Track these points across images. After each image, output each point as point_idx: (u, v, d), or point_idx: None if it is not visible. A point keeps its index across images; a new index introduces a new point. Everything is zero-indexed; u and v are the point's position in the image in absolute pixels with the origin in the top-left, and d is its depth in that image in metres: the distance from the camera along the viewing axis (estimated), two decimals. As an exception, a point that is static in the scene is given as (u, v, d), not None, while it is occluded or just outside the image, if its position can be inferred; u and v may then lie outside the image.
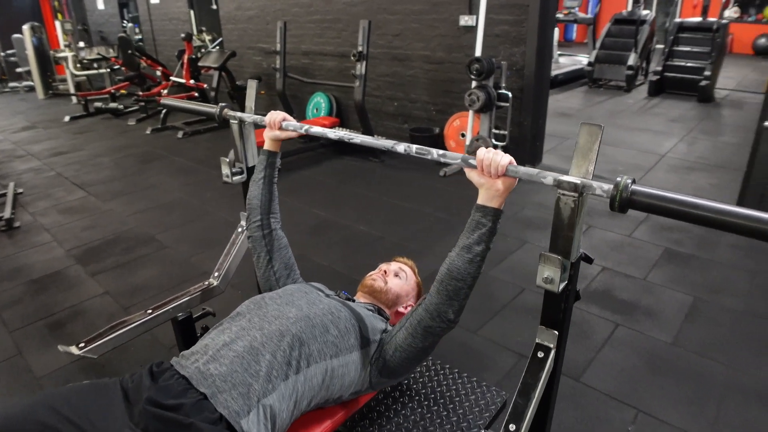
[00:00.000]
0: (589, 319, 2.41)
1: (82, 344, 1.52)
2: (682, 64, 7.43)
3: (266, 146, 1.61)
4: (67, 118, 6.80)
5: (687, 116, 6.29)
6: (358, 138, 1.36)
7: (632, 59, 7.80)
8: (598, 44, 8.27)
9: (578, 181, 1.02)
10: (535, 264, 3.09)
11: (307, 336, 1.22)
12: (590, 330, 2.33)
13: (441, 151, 1.21)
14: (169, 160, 5.00)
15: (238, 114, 1.70)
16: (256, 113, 1.70)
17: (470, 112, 4.38)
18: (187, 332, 1.77)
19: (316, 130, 1.49)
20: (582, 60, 9.04)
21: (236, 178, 1.78)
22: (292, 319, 1.25)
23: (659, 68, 7.59)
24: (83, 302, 2.62)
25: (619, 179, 0.98)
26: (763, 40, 11.03)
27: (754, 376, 2.04)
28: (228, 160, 1.75)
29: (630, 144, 5.26)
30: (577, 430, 1.82)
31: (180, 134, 5.75)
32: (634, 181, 0.98)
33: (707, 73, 6.90)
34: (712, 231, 3.25)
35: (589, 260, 1.18)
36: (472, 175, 1.16)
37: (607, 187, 1.00)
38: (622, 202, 0.98)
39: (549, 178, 1.06)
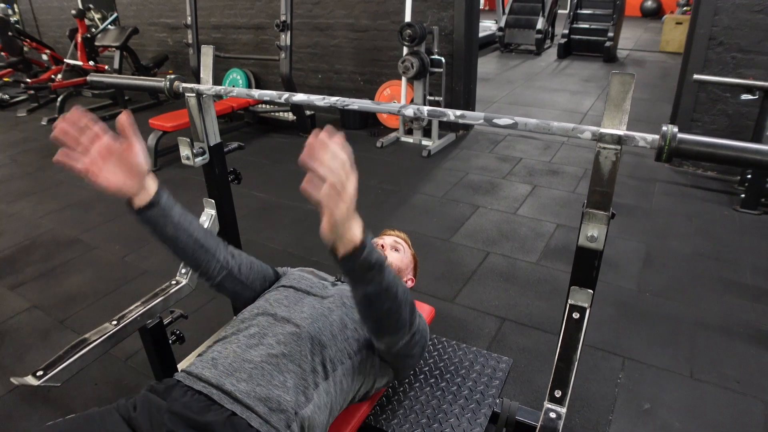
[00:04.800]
0: (557, 276, 2.46)
1: (39, 372, 1.27)
2: (587, 26, 7.79)
3: (136, 204, 1.04)
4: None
5: (597, 75, 6.63)
6: (356, 104, 1.22)
7: (540, 23, 8.06)
8: (507, 9, 8.45)
9: (621, 134, 0.96)
10: (492, 228, 3.08)
11: (326, 337, 1.09)
12: (562, 287, 2.38)
13: (459, 112, 1.10)
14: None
15: (196, 86, 1.48)
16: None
17: (403, 80, 4.29)
18: (159, 341, 1.56)
19: (300, 98, 1.32)
20: (491, 26, 9.22)
21: (198, 159, 1.56)
22: (307, 319, 1.11)
23: (566, 31, 7.92)
24: (7, 321, 2.26)
25: (665, 128, 0.94)
26: (649, 3, 11.88)
27: (714, 312, 2.17)
28: (187, 140, 1.54)
29: (552, 104, 5.45)
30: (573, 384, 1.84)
31: (82, 122, 5.15)
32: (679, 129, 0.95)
33: (610, 34, 7.29)
34: (645, 181, 3.45)
35: (612, 215, 1.15)
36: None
37: (652, 137, 0.95)
38: (671, 152, 0.94)
39: (587, 132, 0.99)
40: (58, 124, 0.93)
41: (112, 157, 0.96)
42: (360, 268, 0.88)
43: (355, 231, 0.85)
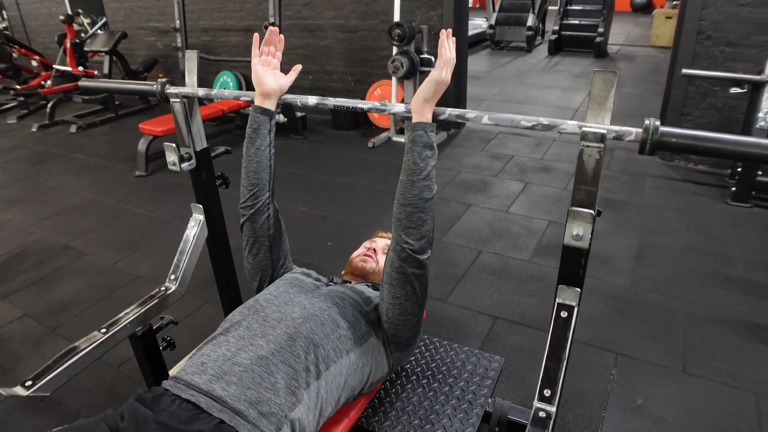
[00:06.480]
0: (550, 273, 2.46)
1: (28, 382, 1.26)
2: (577, 22, 7.81)
3: (262, 103, 1.35)
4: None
5: (589, 71, 6.64)
6: (334, 102, 1.22)
7: (531, 20, 8.07)
8: (497, 7, 8.46)
9: (604, 131, 0.96)
10: (484, 226, 3.08)
11: (319, 336, 1.09)
12: (555, 284, 2.37)
13: (440, 109, 1.11)
14: (68, 159, 4.45)
15: (182, 90, 1.48)
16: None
17: (393, 80, 4.29)
18: (149, 348, 1.55)
19: (286, 98, 1.32)
20: (481, 24, 9.22)
21: (185, 164, 1.55)
22: (298, 319, 1.10)
23: (556, 28, 7.93)
24: (-2, 330, 2.25)
25: (647, 122, 0.94)
26: (639, -3, 11.92)
27: (707, 305, 2.18)
28: (173, 145, 1.53)
29: (543, 101, 5.46)
30: (565, 381, 1.84)
31: (73, 129, 5.13)
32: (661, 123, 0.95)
33: (601, 30, 7.31)
34: (636, 176, 3.45)
35: (599, 213, 1.15)
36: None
37: (635, 131, 0.96)
38: (654, 145, 0.94)
39: (570, 130, 0.99)
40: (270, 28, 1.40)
41: (275, 70, 1.37)
42: (421, 140, 1.13)
43: (430, 114, 1.16)
